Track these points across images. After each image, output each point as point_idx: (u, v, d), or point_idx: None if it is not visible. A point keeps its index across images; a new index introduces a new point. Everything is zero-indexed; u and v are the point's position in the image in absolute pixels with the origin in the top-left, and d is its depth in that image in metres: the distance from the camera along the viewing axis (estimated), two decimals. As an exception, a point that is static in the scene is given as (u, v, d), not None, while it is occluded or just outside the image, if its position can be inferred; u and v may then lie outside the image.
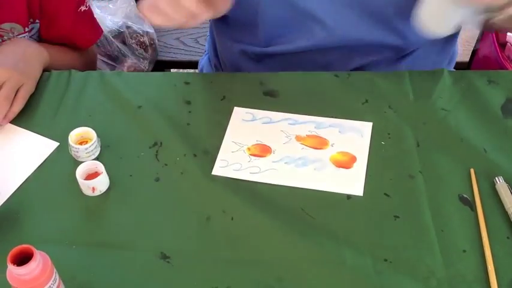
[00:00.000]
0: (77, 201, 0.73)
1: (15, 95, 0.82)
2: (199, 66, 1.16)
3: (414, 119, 0.79)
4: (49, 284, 0.57)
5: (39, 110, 0.83)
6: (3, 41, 0.91)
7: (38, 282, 0.56)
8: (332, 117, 0.80)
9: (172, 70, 1.55)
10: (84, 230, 0.70)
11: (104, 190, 0.74)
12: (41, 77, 0.87)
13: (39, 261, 0.56)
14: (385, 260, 0.65)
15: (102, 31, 1.06)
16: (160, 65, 1.44)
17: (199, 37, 1.52)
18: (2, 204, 0.72)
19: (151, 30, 1.47)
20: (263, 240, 0.68)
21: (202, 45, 1.49)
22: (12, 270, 0.55)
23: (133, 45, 1.45)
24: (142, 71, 1.40)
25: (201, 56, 1.44)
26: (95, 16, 1.03)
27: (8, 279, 0.56)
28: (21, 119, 0.82)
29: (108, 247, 0.68)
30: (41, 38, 0.97)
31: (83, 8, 0.97)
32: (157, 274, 0.66)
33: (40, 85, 0.86)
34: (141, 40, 1.46)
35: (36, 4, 0.92)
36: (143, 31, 1.48)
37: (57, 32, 0.96)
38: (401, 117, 0.79)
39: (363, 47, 0.87)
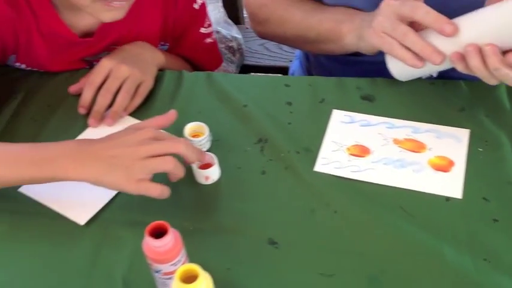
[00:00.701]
0: (192, 189, 0.79)
1: (135, 91, 0.90)
2: (290, 71, 1.22)
3: (511, 127, 0.82)
4: (178, 257, 0.63)
5: (154, 105, 0.91)
6: None
7: (170, 254, 0.63)
8: (428, 123, 0.84)
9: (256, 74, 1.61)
10: (199, 215, 0.76)
11: (216, 179, 0.81)
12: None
13: (172, 236, 0.62)
14: (485, 260, 0.68)
15: (221, 62, 1.14)
16: (246, 69, 1.51)
17: (266, 39, 1.59)
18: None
19: (239, 36, 1.54)
20: (365, 234, 0.72)
21: (285, 51, 1.55)
22: (149, 242, 0.62)
23: (223, 50, 1.53)
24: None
25: (284, 61, 1.51)
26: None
27: (144, 250, 0.63)
28: (139, 112, 0.90)
29: (221, 232, 0.74)
30: None
31: (208, 40, 1.05)
32: (266, 258, 0.71)
33: (155, 82, 0.93)
34: (230, 45, 1.53)
35: (169, 32, 1.00)
36: (232, 36, 1.55)
37: (179, 53, 1.05)
38: (498, 126, 0.82)
39: None
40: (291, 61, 1.50)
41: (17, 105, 0.94)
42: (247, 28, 1.65)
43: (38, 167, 0.73)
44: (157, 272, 0.64)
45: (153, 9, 0.96)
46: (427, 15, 0.77)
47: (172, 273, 0.64)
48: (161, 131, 0.76)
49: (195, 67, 1.08)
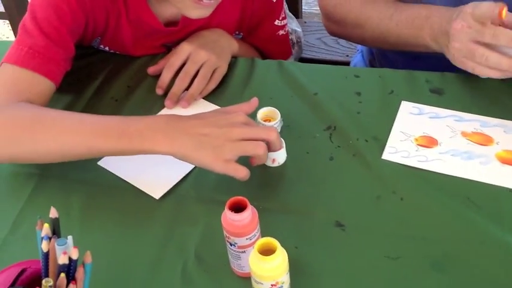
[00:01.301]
0: (259, 170, 0.83)
1: (211, 76, 0.94)
2: (352, 64, 1.24)
3: None
4: (254, 232, 0.67)
5: (228, 89, 0.95)
6: None
7: (247, 229, 0.66)
8: (497, 118, 0.85)
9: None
10: (267, 195, 0.80)
11: (282, 162, 0.84)
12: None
13: (250, 212, 0.66)
14: (550, 251, 0.70)
15: (291, 53, 1.16)
16: (303, 62, 1.54)
17: (340, 38, 1.61)
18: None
19: (298, 29, 1.57)
20: (430, 221, 0.75)
21: (342, 46, 1.56)
22: (228, 216, 0.66)
23: (283, 41, 1.56)
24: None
25: (341, 55, 1.52)
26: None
27: (223, 223, 0.67)
28: (213, 96, 0.94)
29: (288, 212, 0.78)
30: None
31: (281, 32, 1.09)
32: (333, 239, 0.74)
33: (229, 68, 0.98)
34: (290, 37, 1.56)
35: (246, 23, 1.04)
36: (292, 29, 1.58)
37: (252, 42, 1.08)
38: None
39: None
40: (347, 55, 1.51)
41: (98, 85, 1.00)
42: (305, 22, 1.68)
43: (127, 139, 0.77)
44: (232, 245, 0.68)
45: (233, 0, 0.99)
46: (500, 37, 0.78)
47: (246, 246, 0.68)
48: (251, 119, 0.80)
49: (264, 56, 1.11)
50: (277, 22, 1.07)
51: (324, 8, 1.05)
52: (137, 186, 0.84)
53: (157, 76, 0.98)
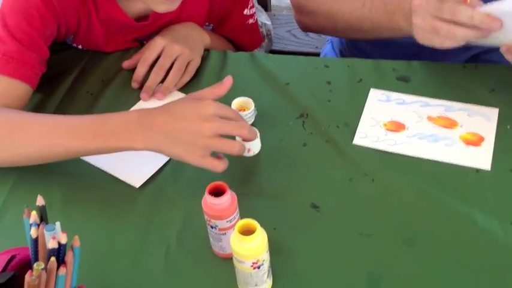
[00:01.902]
0: (235, 159, 0.85)
1: (185, 68, 0.97)
2: (322, 55, 1.28)
3: (538, 107, 0.87)
4: (234, 215, 0.70)
5: (202, 82, 0.98)
6: None
7: (226, 212, 0.69)
8: (461, 102, 0.90)
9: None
10: (245, 182, 0.83)
11: (257, 151, 0.87)
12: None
13: (229, 196, 0.69)
14: (511, 224, 0.74)
15: (261, 41, 1.19)
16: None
17: (311, 32, 1.65)
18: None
19: (268, 22, 1.60)
20: (401, 200, 0.79)
21: (311, 38, 1.60)
22: (209, 200, 0.69)
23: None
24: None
25: (310, 47, 1.57)
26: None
27: (203, 207, 0.70)
28: (187, 88, 0.96)
29: (266, 196, 0.81)
30: None
31: (251, 20, 1.11)
32: (309, 220, 0.78)
33: (202, 61, 1.00)
34: (260, 30, 1.60)
35: (215, 13, 1.06)
36: (261, 22, 1.61)
37: (223, 33, 1.11)
38: (525, 105, 0.88)
39: None
40: (317, 47, 1.55)
41: (73, 80, 1.01)
42: (274, 15, 1.72)
43: (103, 139, 0.79)
44: (213, 227, 0.71)
45: None
46: (459, 14, 0.80)
47: (227, 229, 0.70)
48: (222, 104, 0.79)
49: (236, 47, 1.14)
50: (246, 11, 1.10)
51: (296, 1, 1.07)
52: (117, 177, 0.86)
53: (131, 70, 1.00)
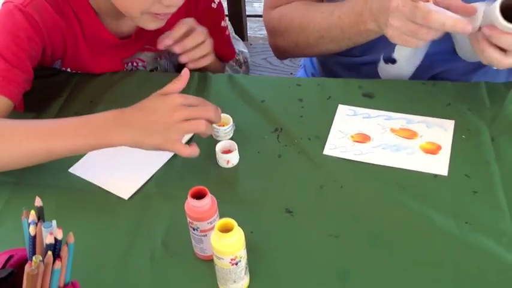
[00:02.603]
0: (215, 171, 0.93)
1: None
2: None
3: (489, 119, 0.96)
4: (214, 217, 0.77)
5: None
6: (161, 59, 1.17)
7: (207, 214, 0.76)
8: (420, 115, 0.98)
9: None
10: (224, 191, 0.89)
11: (236, 163, 0.94)
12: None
13: (210, 199, 0.76)
14: (466, 223, 0.82)
15: (235, 52, 1.27)
16: (251, 80, 1.66)
17: (285, 57, 1.74)
18: (166, 163, 0.94)
19: (245, 50, 1.69)
20: (367, 204, 0.86)
21: (286, 65, 1.70)
22: (191, 203, 0.75)
23: (230, 62, 1.68)
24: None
25: (285, 73, 1.66)
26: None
27: (186, 210, 0.76)
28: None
29: (244, 203, 0.88)
30: None
31: (227, 32, 1.20)
32: (283, 223, 0.85)
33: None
34: (237, 58, 1.68)
35: None
36: (239, 50, 1.70)
37: None
38: (478, 117, 0.97)
39: (444, 55, 1.05)
40: (291, 73, 1.64)
41: (63, 102, 1.08)
42: (251, 44, 1.81)
43: (83, 138, 0.86)
44: (195, 229, 0.78)
45: (179, 10, 1.04)
46: (431, 21, 0.85)
47: (207, 230, 0.77)
48: (186, 95, 0.89)
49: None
50: (223, 23, 1.18)
51: (269, 23, 1.15)
52: (106, 189, 0.92)
53: (117, 90, 1.08)
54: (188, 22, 1.05)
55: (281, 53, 1.20)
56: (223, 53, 1.21)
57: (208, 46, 1.07)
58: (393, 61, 1.07)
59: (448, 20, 0.85)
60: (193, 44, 1.05)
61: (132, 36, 1.08)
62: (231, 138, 0.97)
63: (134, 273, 0.80)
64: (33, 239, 0.64)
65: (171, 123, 0.86)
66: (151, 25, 0.99)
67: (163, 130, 0.86)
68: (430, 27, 0.87)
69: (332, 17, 1.03)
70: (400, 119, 0.98)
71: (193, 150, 0.88)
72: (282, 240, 0.83)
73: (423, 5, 0.86)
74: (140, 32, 1.05)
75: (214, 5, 1.15)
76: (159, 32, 1.08)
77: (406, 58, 1.04)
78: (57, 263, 0.63)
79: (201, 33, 1.06)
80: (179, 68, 1.20)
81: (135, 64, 1.16)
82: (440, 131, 0.95)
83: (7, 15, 0.97)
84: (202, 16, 1.13)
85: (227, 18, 1.23)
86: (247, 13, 1.84)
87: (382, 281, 0.77)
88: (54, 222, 0.64)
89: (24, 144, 0.89)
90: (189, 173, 0.92)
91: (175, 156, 0.95)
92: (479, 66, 1.07)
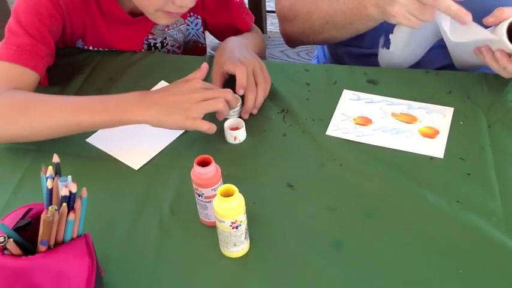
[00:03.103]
0: (223, 147, 0.99)
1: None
2: (309, 69, 1.42)
3: (487, 107, 1.00)
4: (218, 184, 0.82)
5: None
6: (168, 29, 1.22)
7: (211, 181, 0.81)
8: (421, 102, 1.03)
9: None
10: (231, 165, 0.94)
11: (243, 140, 1.00)
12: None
13: (214, 167, 0.81)
14: (457, 202, 0.86)
15: (253, 18, 1.27)
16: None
17: (300, 51, 1.80)
18: (176, 139, 1.00)
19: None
20: (364, 181, 0.91)
21: (302, 57, 1.75)
22: (196, 170, 0.81)
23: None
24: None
25: (301, 66, 1.69)
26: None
27: (192, 176, 0.82)
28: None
29: (248, 177, 0.93)
30: (205, 28, 1.26)
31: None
32: (284, 196, 0.90)
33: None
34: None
35: (198, 1, 1.17)
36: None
37: (220, 20, 1.22)
38: (477, 105, 1.01)
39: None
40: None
41: (84, 79, 1.15)
42: (269, 37, 1.86)
43: (109, 113, 0.93)
44: (200, 195, 0.83)
45: None
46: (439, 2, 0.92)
47: (211, 197, 0.82)
48: (206, 82, 0.97)
49: (235, 32, 1.21)
50: None
51: (280, 10, 1.21)
52: (119, 159, 0.98)
53: (135, 69, 1.14)
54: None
55: (290, 40, 1.26)
56: (239, 19, 1.23)
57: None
58: (388, 45, 1.11)
59: (453, 5, 0.92)
60: (265, 95, 1.05)
61: (144, 15, 1.14)
62: (239, 117, 1.02)
63: (143, 235, 0.86)
64: (50, 192, 0.70)
65: (191, 103, 0.94)
66: (164, 21, 1.07)
67: (184, 109, 0.93)
68: (436, 7, 0.93)
69: (338, 3, 1.08)
70: (401, 105, 1.02)
71: (212, 126, 0.95)
72: (282, 211, 0.88)
73: None
74: None
75: None
76: None
77: (402, 44, 1.08)
78: (71, 215, 0.69)
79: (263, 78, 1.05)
80: (187, 40, 1.27)
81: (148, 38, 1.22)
82: (439, 116, 0.99)
83: None
84: None
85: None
86: (269, 9, 1.88)
87: (373, 251, 0.82)
88: (69, 177, 0.70)
89: (55, 117, 0.96)
90: (198, 146, 0.98)
91: (186, 132, 1.00)
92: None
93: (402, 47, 1.10)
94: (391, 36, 1.10)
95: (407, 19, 0.97)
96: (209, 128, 0.94)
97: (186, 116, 0.93)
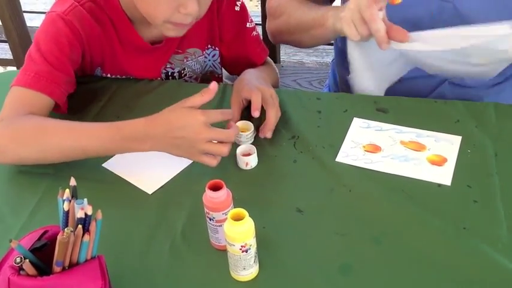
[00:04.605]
0: (235, 172, 1.01)
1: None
2: (321, 97, 1.45)
3: (495, 137, 1.02)
4: (229, 209, 0.84)
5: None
6: (187, 61, 1.26)
7: (222, 205, 0.84)
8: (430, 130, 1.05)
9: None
10: (242, 190, 0.96)
11: (255, 165, 1.02)
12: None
13: (225, 191, 0.84)
14: (464, 228, 0.87)
15: (267, 52, 1.31)
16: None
17: (312, 80, 1.83)
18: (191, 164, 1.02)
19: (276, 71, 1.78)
20: (372, 207, 0.92)
21: (314, 86, 1.78)
22: (208, 194, 0.83)
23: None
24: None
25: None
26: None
27: (204, 201, 0.84)
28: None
29: (259, 202, 0.95)
30: (221, 60, 1.30)
31: (254, 33, 1.27)
32: (294, 221, 0.92)
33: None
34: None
35: (216, 34, 1.24)
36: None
37: (236, 52, 1.26)
38: (484, 135, 1.02)
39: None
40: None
41: (102, 105, 1.18)
42: (282, 66, 1.90)
43: (116, 143, 0.98)
44: (211, 219, 0.85)
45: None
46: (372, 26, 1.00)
47: (222, 221, 0.84)
48: (208, 112, 0.95)
49: (249, 65, 1.25)
50: (248, 25, 1.25)
51: (270, 8, 1.30)
52: (134, 184, 1.01)
53: (151, 97, 1.18)
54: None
55: (273, 36, 1.34)
56: (254, 53, 1.27)
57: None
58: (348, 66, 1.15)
59: (382, 30, 1.00)
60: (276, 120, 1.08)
61: (163, 42, 1.19)
62: (252, 143, 1.05)
63: (155, 258, 0.88)
64: (67, 214, 0.73)
65: (196, 142, 0.95)
66: (172, 33, 1.10)
67: (188, 147, 0.96)
68: (368, 24, 1.00)
69: (313, 10, 1.17)
70: (410, 133, 1.04)
71: (218, 158, 0.98)
72: (291, 236, 0.90)
73: (375, 8, 1.00)
74: (170, 38, 1.15)
75: (237, 8, 1.23)
76: (186, 37, 1.18)
77: (360, 67, 1.11)
78: (86, 236, 0.72)
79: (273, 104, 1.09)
80: (204, 71, 1.30)
81: (165, 67, 1.26)
82: (447, 145, 1.01)
83: (50, 23, 1.10)
84: (226, 20, 1.22)
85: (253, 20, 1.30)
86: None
87: (381, 277, 0.83)
88: (85, 199, 0.73)
89: (64, 142, 0.99)
90: (210, 172, 1.00)
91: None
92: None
93: (362, 70, 1.12)
94: (348, 57, 1.13)
95: (349, 26, 1.04)
96: (215, 163, 0.97)
97: (190, 153, 0.97)
